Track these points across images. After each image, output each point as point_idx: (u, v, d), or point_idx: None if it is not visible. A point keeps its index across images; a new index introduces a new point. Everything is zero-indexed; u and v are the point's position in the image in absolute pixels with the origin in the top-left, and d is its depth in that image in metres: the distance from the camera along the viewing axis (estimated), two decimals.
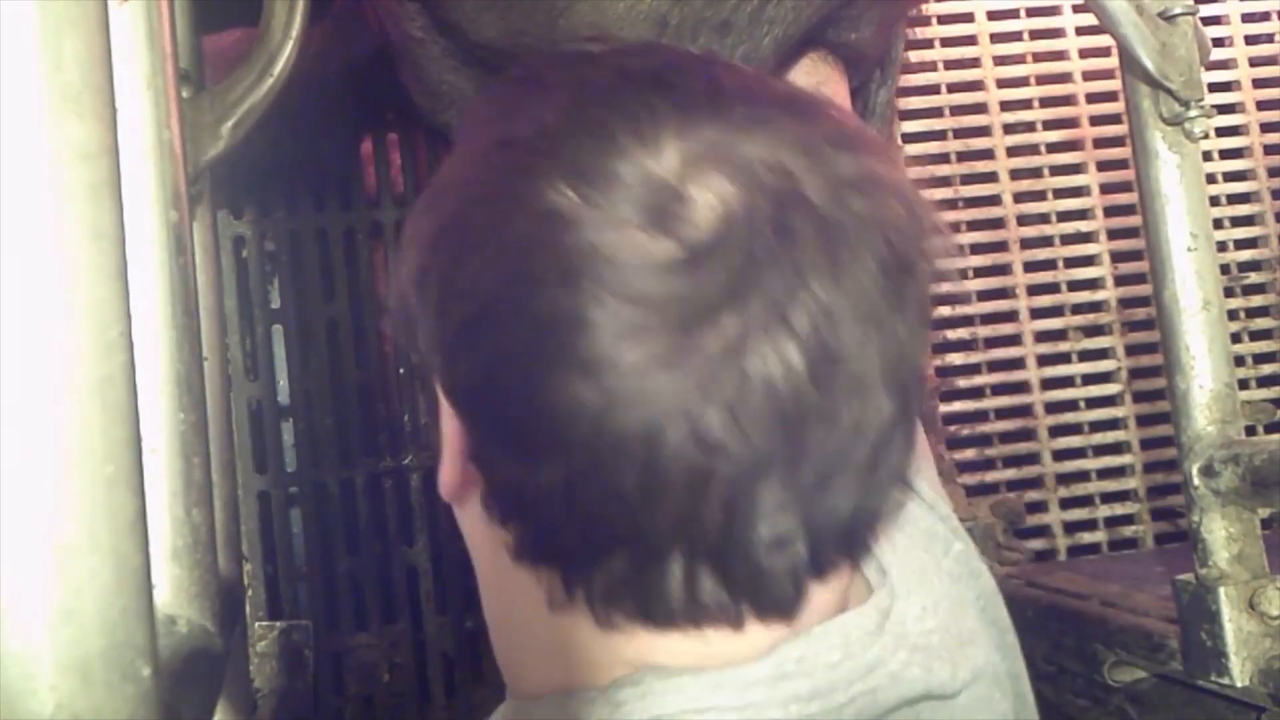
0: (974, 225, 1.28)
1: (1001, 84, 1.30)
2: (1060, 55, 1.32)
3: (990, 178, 1.29)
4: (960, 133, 1.29)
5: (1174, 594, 0.80)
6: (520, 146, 0.44)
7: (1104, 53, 1.29)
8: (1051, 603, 0.99)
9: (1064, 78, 1.31)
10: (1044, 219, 1.29)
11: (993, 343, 1.26)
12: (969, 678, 0.49)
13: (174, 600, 0.44)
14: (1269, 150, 1.31)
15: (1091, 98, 1.31)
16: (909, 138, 1.29)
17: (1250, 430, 1.25)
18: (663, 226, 0.40)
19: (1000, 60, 1.31)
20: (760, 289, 0.41)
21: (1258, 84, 1.33)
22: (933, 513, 0.56)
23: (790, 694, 0.44)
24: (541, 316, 0.41)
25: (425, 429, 1.23)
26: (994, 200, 1.29)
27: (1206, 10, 1.30)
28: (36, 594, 0.23)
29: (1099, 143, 1.30)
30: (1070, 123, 1.31)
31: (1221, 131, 1.31)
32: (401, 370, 1.24)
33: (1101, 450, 1.26)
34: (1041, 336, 1.27)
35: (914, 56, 1.29)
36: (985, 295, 1.27)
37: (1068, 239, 1.29)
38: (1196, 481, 0.78)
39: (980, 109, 1.30)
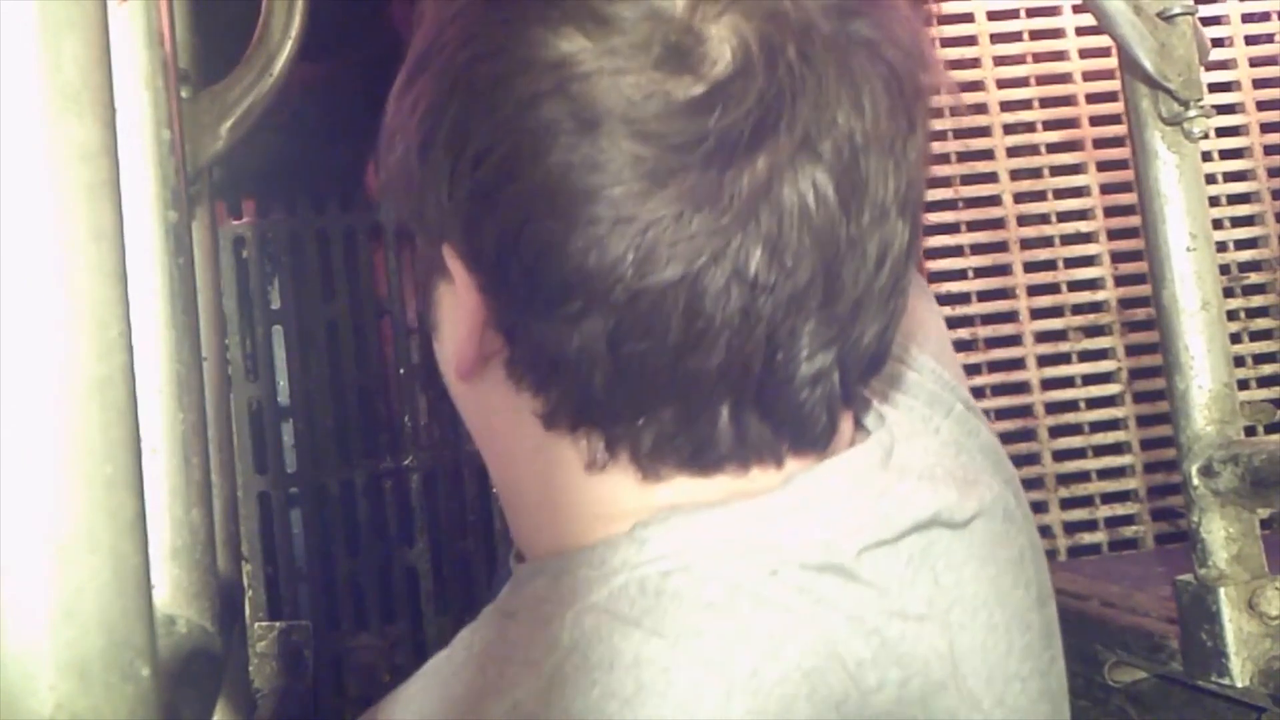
0: (974, 226, 1.28)
1: (1001, 84, 1.30)
2: (1060, 56, 1.32)
3: (990, 178, 1.29)
4: (960, 133, 1.29)
5: (1174, 594, 0.80)
6: None
7: (1104, 53, 1.29)
8: None
9: (1064, 78, 1.31)
10: (1044, 219, 1.29)
11: (993, 343, 1.26)
12: (977, 508, 0.50)
13: (173, 600, 0.44)
14: (1269, 150, 1.31)
15: (1091, 98, 1.31)
16: None
17: (1251, 431, 1.25)
18: (681, 65, 0.40)
19: (1000, 60, 1.31)
20: (787, 120, 0.41)
21: (1258, 84, 1.32)
22: (936, 378, 0.57)
23: (808, 524, 0.45)
24: (566, 169, 0.40)
25: (425, 429, 1.23)
26: (994, 201, 1.28)
27: (1206, 10, 1.29)
28: (36, 594, 0.23)
29: (1099, 143, 1.30)
30: (1070, 123, 1.31)
31: (1221, 132, 1.31)
32: (402, 370, 1.24)
33: (1102, 451, 1.26)
34: (1041, 337, 1.27)
35: None
36: (985, 296, 1.27)
37: (1068, 239, 1.29)
38: (1196, 482, 0.78)
39: (980, 109, 1.30)
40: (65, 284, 0.23)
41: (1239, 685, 0.76)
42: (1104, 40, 1.29)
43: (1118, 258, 1.29)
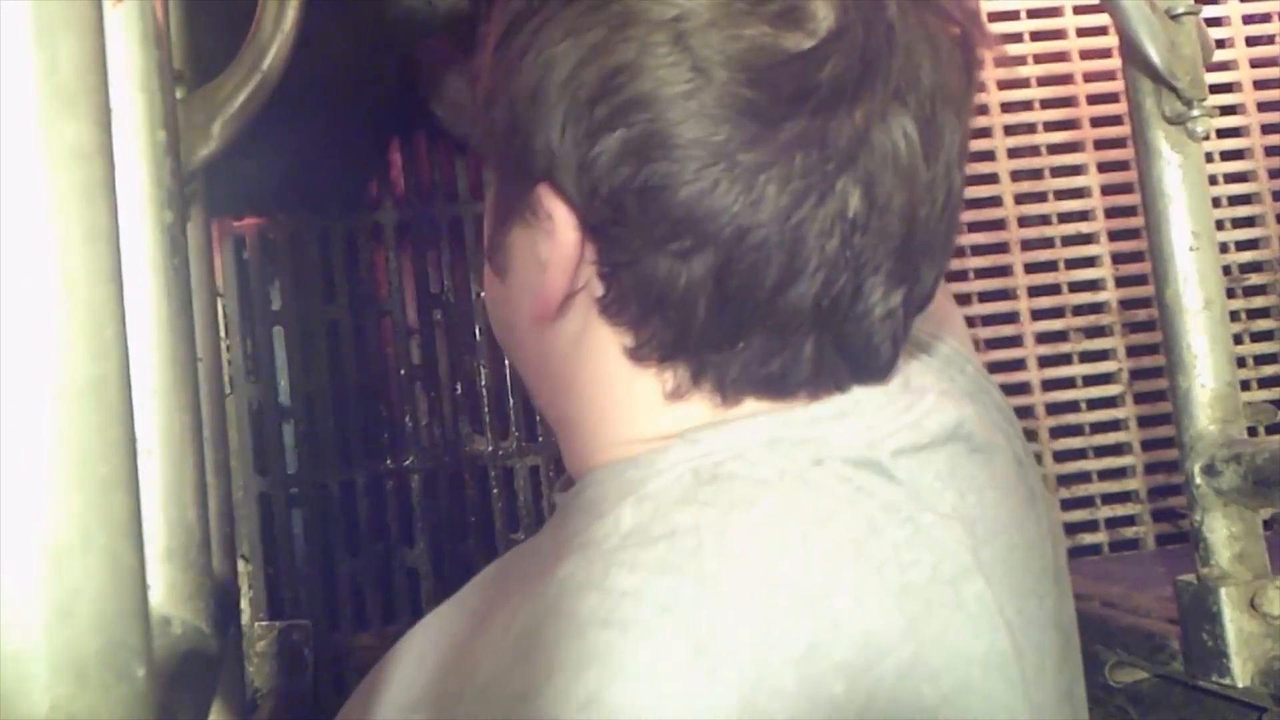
0: (975, 227, 1.28)
1: (1002, 85, 1.30)
2: (1062, 56, 1.32)
3: (991, 179, 1.29)
4: None
5: (1175, 594, 0.80)
6: None
7: (1106, 54, 1.29)
8: None
9: (1065, 79, 1.31)
10: (1045, 220, 1.29)
11: (993, 344, 1.26)
12: (991, 438, 0.54)
13: (169, 601, 0.44)
14: (1270, 151, 1.31)
15: (1093, 99, 1.31)
16: None
17: (1252, 432, 1.25)
18: (790, 21, 0.44)
19: (1001, 61, 1.31)
20: (883, 74, 0.45)
21: (1259, 85, 1.32)
22: (949, 345, 0.60)
23: (847, 428, 0.49)
24: (684, 114, 0.43)
25: (426, 430, 1.23)
26: (995, 201, 1.28)
27: (1207, 11, 1.29)
28: (31, 595, 0.23)
29: (1100, 144, 1.30)
30: (1071, 124, 1.31)
31: (1223, 133, 1.31)
32: (402, 371, 1.24)
33: (1102, 451, 1.26)
34: (1042, 338, 1.27)
35: None
36: (986, 296, 1.27)
37: (1069, 240, 1.29)
38: (1198, 481, 0.78)
39: (981, 110, 1.30)
40: (60, 285, 0.23)
41: (1240, 685, 0.76)
42: (1106, 41, 1.29)
43: (1119, 259, 1.29)
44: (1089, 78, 1.31)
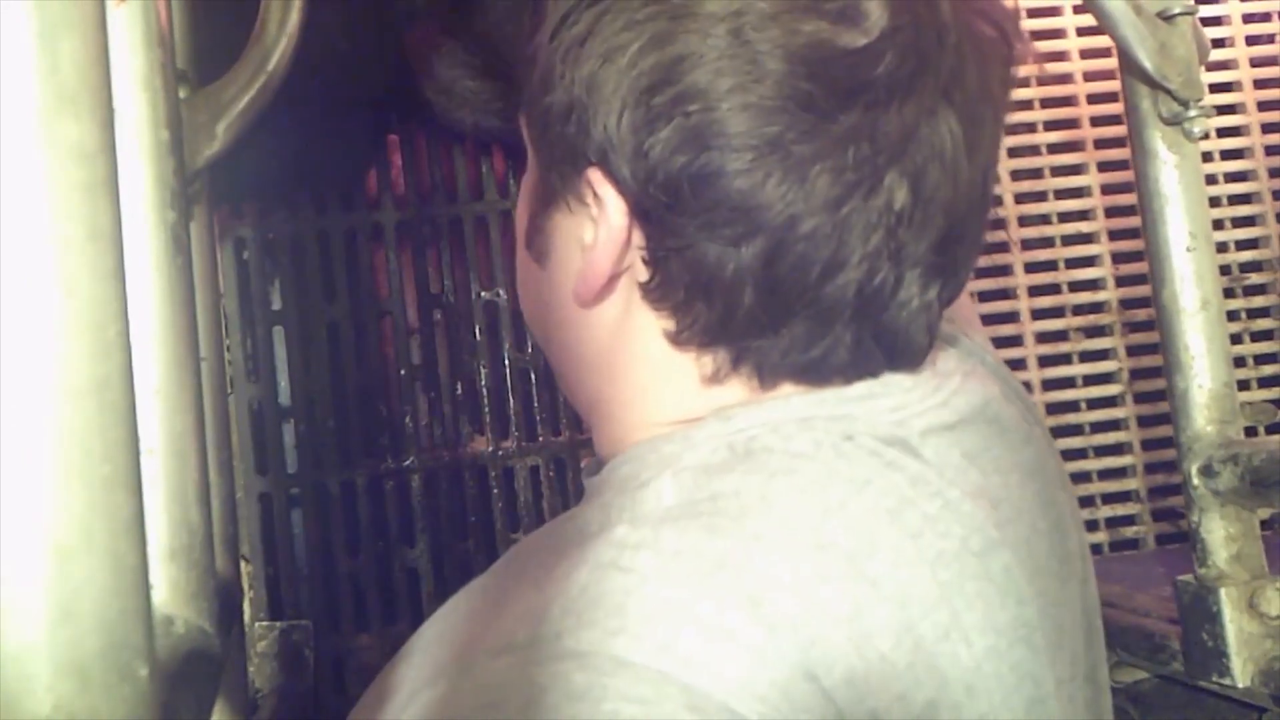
0: None
1: None
2: (1061, 56, 1.32)
3: None
4: None
5: (1175, 595, 0.80)
6: None
7: (1105, 53, 1.29)
8: None
9: (1064, 79, 1.31)
10: (1045, 220, 1.29)
11: (994, 344, 1.26)
12: (1014, 420, 0.55)
13: (171, 600, 0.44)
14: (1270, 151, 1.31)
15: (1092, 98, 1.31)
16: None
17: (1252, 431, 1.25)
18: (846, 18, 0.45)
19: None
20: (933, 72, 0.46)
21: (1259, 84, 1.32)
22: (967, 338, 0.61)
23: (877, 408, 0.50)
24: (743, 104, 0.45)
25: (426, 430, 1.23)
26: (995, 201, 1.28)
27: (1207, 11, 1.29)
28: (33, 594, 0.23)
29: (1100, 143, 1.30)
30: (1071, 123, 1.31)
31: (1223, 132, 1.31)
32: (403, 371, 1.24)
33: (1102, 451, 1.26)
34: (1042, 338, 1.27)
35: None
36: (986, 296, 1.27)
37: (1069, 240, 1.29)
38: (1196, 481, 0.78)
39: None
40: (63, 284, 0.23)
41: (1240, 685, 0.76)
42: (1105, 40, 1.29)
43: (1119, 258, 1.29)
44: (1089, 77, 1.31)
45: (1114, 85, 1.27)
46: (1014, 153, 1.29)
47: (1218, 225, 1.27)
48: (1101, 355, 1.28)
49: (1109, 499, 1.25)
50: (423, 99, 1.19)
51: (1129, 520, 1.25)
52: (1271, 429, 1.25)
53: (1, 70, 0.23)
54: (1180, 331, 0.79)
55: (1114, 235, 1.29)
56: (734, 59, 0.45)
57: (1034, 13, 1.32)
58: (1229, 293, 1.27)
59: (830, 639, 0.43)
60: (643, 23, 0.47)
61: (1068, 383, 1.27)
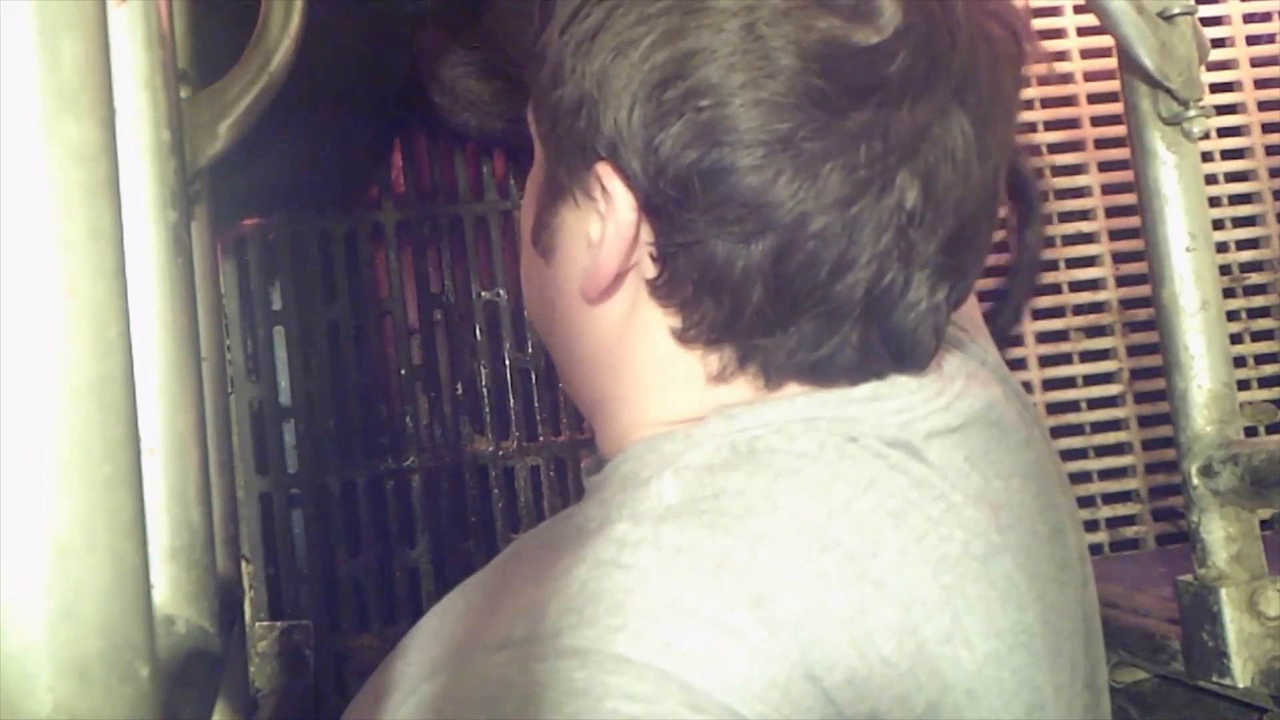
0: None
1: None
2: (1061, 56, 1.32)
3: None
4: None
5: (1175, 595, 0.80)
6: None
7: (1105, 53, 1.29)
8: None
9: (1065, 78, 1.31)
10: (1045, 219, 1.29)
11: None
12: (1015, 422, 0.55)
13: (172, 600, 0.44)
14: (1270, 151, 1.31)
15: (1093, 98, 1.31)
16: None
17: (1252, 431, 1.25)
18: (859, 15, 0.45)
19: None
20: (945, 72, 0.46)
21: (1259, 84, 1.32)
22: (971, 339, 0.61)
23: (881, 410, 0.49)
24: (755, 100, 0.44)
25: (427, 430, 1.23)
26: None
27: (1207, 10, 1.29)
28: (34, 594, 0.23)
29: (1100, 143, 1.30)
30: (1071, 123, 1.31)
31: (1223, 132, 1.31)
32: (403, 371, 1.24)
33: (1103, 451, 1.26)
34: (1043, 337, 1.27)
35: None
36: (986, 296, 1.27)
37: (1069, 239, 1.29)
38: (1195, 482, 0.78)
39: None
40: (64, 284, 0.23)
41: (1240, 685, 0.76)
42: (1105, 40, 1.29)
43: (1119, 258, 1.29)
44: (1089, 77, 1.31)
45: (1114, 85, 1.27)
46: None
47: (1218, 225, 1.27)
48: (1102, 355, 1.28)
49: (1109, 499, 1.25)
50: (425, 100, 1.19)
51: (1129, 520, 1.25)
52: (1271, 429, 1.24)
53: (2, 70, 0.23)
54: (1180, 331, 0.79)
55: (1114, 235, 1.29)
56: (746, 54, 0.45)
57: (1034, 12, 1.32)
58: (1229, 293, 1.27)
59: (832, 640, 0.43)
60: (655, 17, 0.46)
61: (1068, 383, 1.27)
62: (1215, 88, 1.30)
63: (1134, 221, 1.25)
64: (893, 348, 0.49)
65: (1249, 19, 1.34)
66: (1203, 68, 0.78)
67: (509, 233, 1.27)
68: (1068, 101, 1.31)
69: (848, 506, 0.46)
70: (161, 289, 0.45)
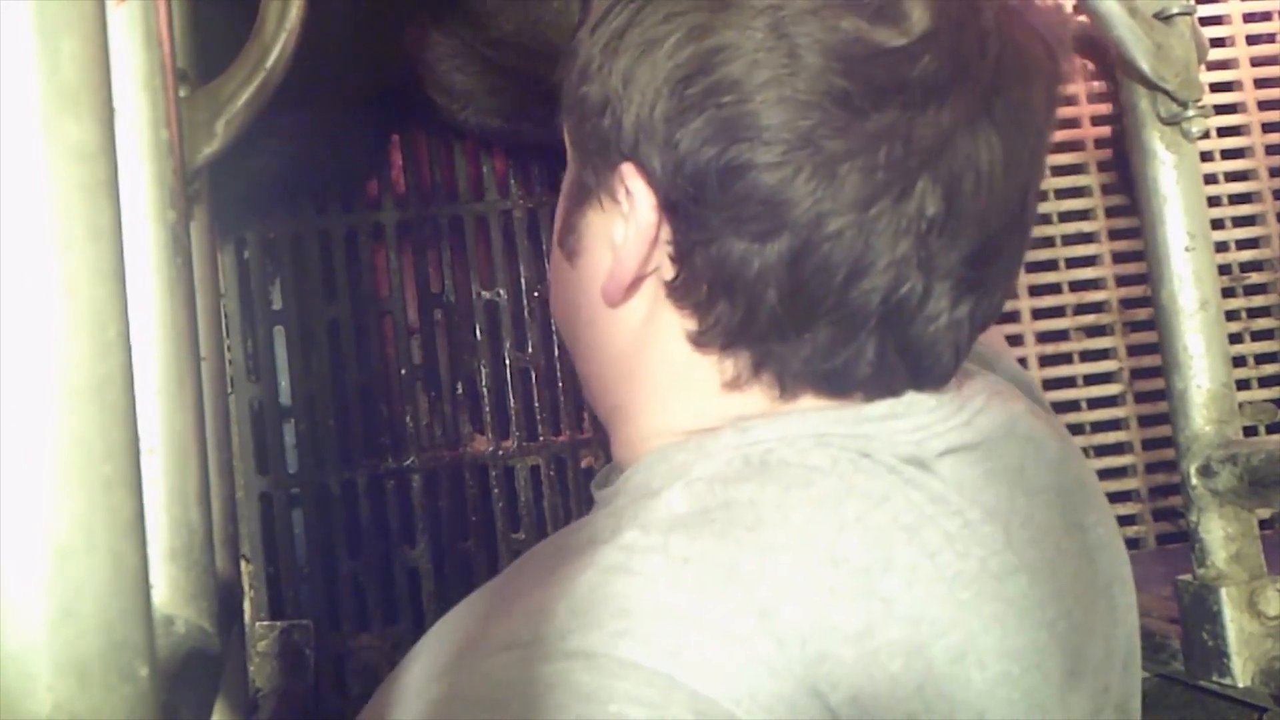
0: None
1: None
2: None
3: None
4: None
5: (1175, 594, 0.80)
6: None
7: (1106, 53, 1.29)
8: None
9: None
10: (1045, 219, 1.29)
11: None
12: (1044, 434, 0.54)
13: (171, 600, 0.44)
14: (1270, 150, 1.31)
15: (1093, 98, 1.31)
16: None
17: (1252, 431, 1.25)
18: (885, 18, 0.45)
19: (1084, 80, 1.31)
20: (972, 77, 0.45)
21: (1259, 84, 1.32)
22: (997, 359, 0.61)
23: (897, 428, 0.48)
24: (776, 98, 0.44)
25: (427, 430, 1.23)
26: None
27: (1207, 10, 1.29)
28: (34, 594, 0.23)
29: (1100, 143, 1.30)
30: (1071, 123, 1.31)
31: (1223, 131, 1.31)
32: (403, 371, 1.24)
33: (1103, 451, 1.26)
34: (1043, 337, 1.27)
35: None
36: None
37: (1069, 239, 1.29)
38: (1194, 481, 0.78)
39: None
40: (63, 284, 0.23)
41: (1240, 685, 0.76)
42: None
43: (1119, 258, 1.29)
44: (1089, 77, 1.31)
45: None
46: None
47: (1218, 225, 1.27)
48: (1102, 355, 1.28)
49: (1109, 498, 1.24)
50: (424, 98, 1.19)
51: (1129, 520, 1.25)
52: (1271, 429, 1.24)
53: (2, 70, 0.23)
54: (1179, 331, 0.79)
55: (1114, 235, 1.29)
56: (771, 52, 0.44)
57: None
58: (1229, 292, 1.27)
59: (839, 656, 0.42)
60: (682, 15, 0.46)
61: (1068, 382, 1.27)
62: (1215, 87, 1.30)
63: (1134, 221, 1.25)
64: (910, 362, 0.48)
65: (1249, 19, 1.34)
66: (1202, 67, 0.78)
67: (509, 233, 1.27)
68: (1068, 101, 1.31)
69: (860, 520, 0.45)
70: (161, 289, 0.45)
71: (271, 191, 1.19)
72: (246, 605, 1.14)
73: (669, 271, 0.49)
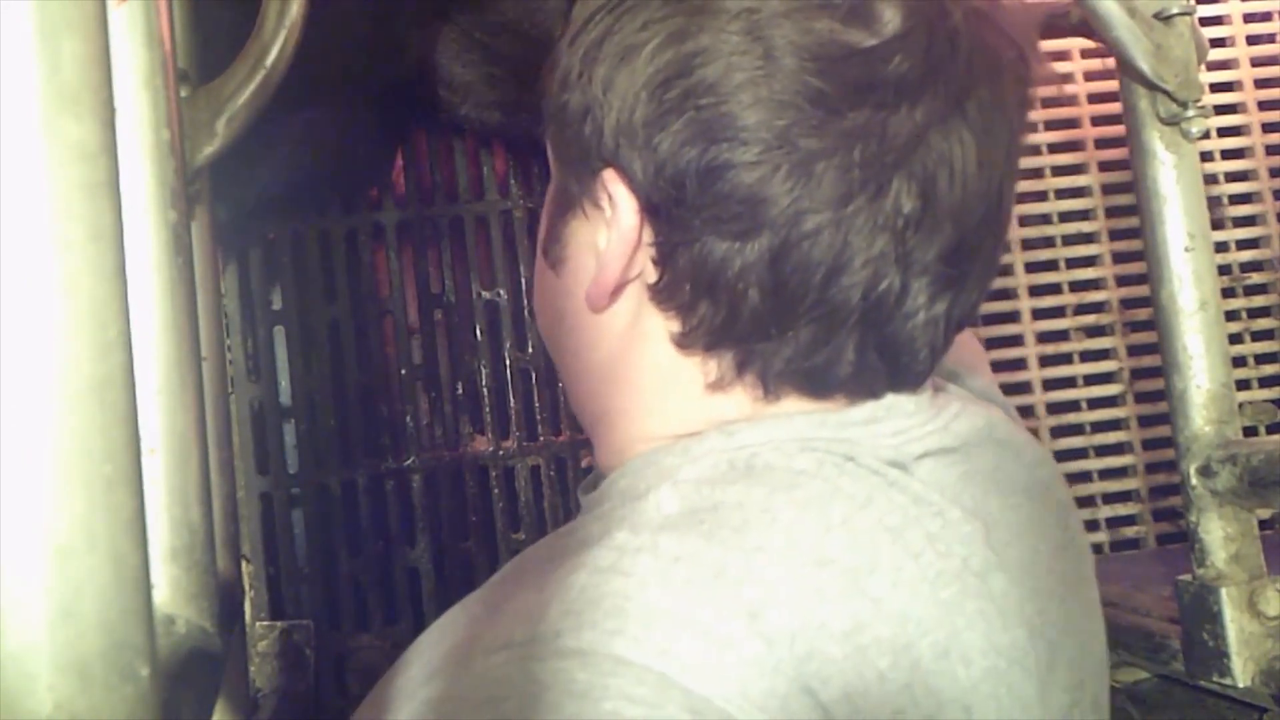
0: None
1: None
2: (1062, 56, 1.32)
3: None
4: None
5: (1175, 594, 0.80)
6: None
7: (1105, 52, 1.28)
8: None
9: (1065, 78, 1.31)
10: (1045, 219, 1.29)
11: (994, 344, 1.26)
12: (1017, 441, 0.55)
13: (172, 600, 0.44)
14: (1271, 150, 1.31)
15: (1093, 98, 1.31)
16: None
17: (1252, 431, 1.25)
18: (857, 19, 0.46)
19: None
20: (944, 80, 0.46)
21: (1259, 84, 1.32)
22: (971, 376, 0.62)
23: (878, 432, 0.49)
24: (753, 98, 0.45)
25: (427, 430, 1.23)
26: None
27: (1207, 10, 1.29)
28: (34, 594, 0.23)
29: (1100, 143, 1.30)
30: (1071, 123, 1.31)
31: (1223, 131, 1.31)
32: (403, 371, 1.24)
33: (1103, 451, 1.26)
34: (1043, 337, 1.27)
35: None
36: (987, 296, 1.27)
37: (1069, 239, 1.29)
38: (1194, 481, 0.78)
39: None
40: (64, 284, 0.23)
41: (1240, 685, 0.76)
42: None
43: (1119, 258, 1.29)
44: (1089, 77, 1.31)
45: (1114, 85, 1.27)
46: None
47: (1218, 225, 1.27)
48: (1102, 355, 1.28)
49: (1109, 499, 1.25)
50: (424, 96, 1.19)
51: (1129, 520, 1.25)
52: (1272, 429, 1.24)
53: (2, 70, 0.23)
54: (1179, 332, 0.79)
55: (1114, 235, 1.29)
56: (747, 54, 0.45)
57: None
58: (1229, 293, 1.27)
59: (828, 654, 0.43)
60: (659, 21, 0.47)
61: (1068, 383, 1.27)
62: (1215, 88, 1.30)
63: (1134, 221, 1.25)
64: (889, 360, 0.49)
65: (1249, 19, 1.33)
66: (1202, 68, 0.78)
67: (509, 233, 1.27)
68: (1068, 101, 1.31)
69: (845, 522, 0.46)
70: (161, 289, 0.45)
71: (279, 197, 1.18)
72: (247, 605, 1.14)
73: (652, 275, 0.50)
